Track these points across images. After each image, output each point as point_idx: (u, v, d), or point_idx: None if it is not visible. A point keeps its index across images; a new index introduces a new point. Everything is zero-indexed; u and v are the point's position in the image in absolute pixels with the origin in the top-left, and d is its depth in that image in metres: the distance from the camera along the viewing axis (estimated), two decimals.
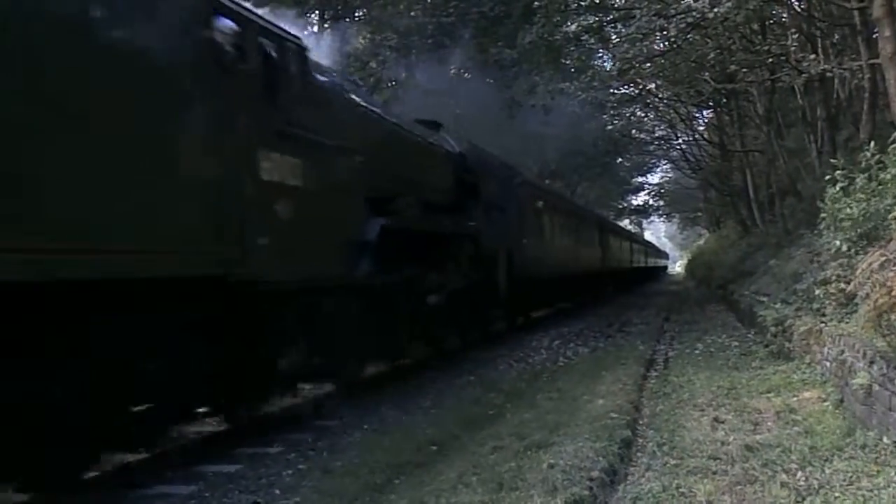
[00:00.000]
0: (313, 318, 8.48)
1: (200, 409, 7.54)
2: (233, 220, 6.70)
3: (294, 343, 8.17)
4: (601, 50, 21.63)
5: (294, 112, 7.84)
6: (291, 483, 6.27)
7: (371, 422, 8.50)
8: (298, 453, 7.18)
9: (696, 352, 13.03)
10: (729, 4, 13.10)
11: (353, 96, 10.17)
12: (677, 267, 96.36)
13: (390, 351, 11.26)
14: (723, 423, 7.62)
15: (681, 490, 5.55)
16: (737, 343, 13.47)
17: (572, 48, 19.90)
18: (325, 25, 22.26)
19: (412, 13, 20.52)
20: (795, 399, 8.33)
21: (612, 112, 26.31)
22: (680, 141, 39.16)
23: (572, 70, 22.30)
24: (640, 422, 8.17)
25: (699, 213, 61.32)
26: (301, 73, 8.21)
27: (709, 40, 17.92)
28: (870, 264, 8.05)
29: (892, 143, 8.88)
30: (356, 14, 23.39)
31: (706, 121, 34.69)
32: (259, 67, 7.35)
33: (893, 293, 6.91)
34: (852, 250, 9.05)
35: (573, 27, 17.22)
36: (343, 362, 9.47)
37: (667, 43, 17.78)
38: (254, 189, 7.06)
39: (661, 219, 76.31)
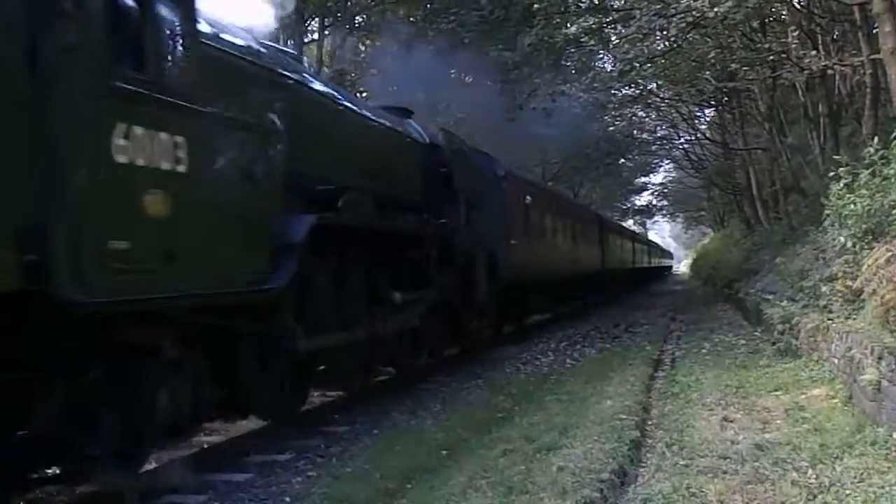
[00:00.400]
0: (213, 345, 6.70)
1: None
2: (60, 216, 4.90)
3: (182, 378, 6.27)
4: (601, 51, 21.66)
5: (172, 76, 5.89)
6: (302, 490, 6.28)
7: (381, 427, 8.50)
8: (308, 460, 7.18)
9: (704, 351, 13.03)
10: (729, 3, 13.10)
11: (275, 64, 7.96)
12: (682, 266, 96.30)
13: (334, 378, 9.53)
14: (732, 422, 7.62)
15: (691, 490, 5.55)
16: (744, 341, 13.48)
17: (572, 50, 19.93)
18: (326, 33, 22.33)
19: (411, 19, 20.58)
20: (804, 397, 8.32)
21: (613, 113, 26.29)
22: (682, 140, 39.16)
23: (573, 72, 22.36)
24: (649, 422, 8.18)
25: (703, 213, 61.32)
26: (185, 27, 6.12)
27: (709, 39, 17.93)
28: (876, 260, 8.06)
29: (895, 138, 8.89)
30: (356, 21, 23.44)
31: (708, 120, 34.71)
32: (105, 13, 5.34)
33: None
34: (858, 246, 9.05)
35: (573, 29, 17.20)
36: (267, 397, 7.68)
37: (667, 43, 17.79)
38: (99, 174, 5.14)
39: (665, 219, 76.41)
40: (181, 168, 5.84)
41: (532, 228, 19.26)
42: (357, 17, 23.42)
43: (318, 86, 9.34)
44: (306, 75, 9.15)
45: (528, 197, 19.04)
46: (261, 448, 7.55)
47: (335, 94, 9.89)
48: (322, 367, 8.98)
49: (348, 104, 10.08)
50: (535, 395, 10.20)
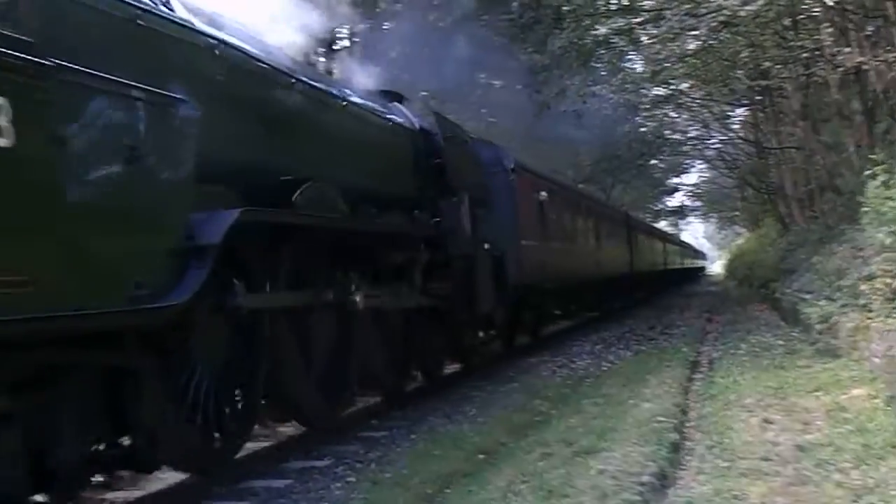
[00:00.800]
0: (89, 384, 5.14)
1: None
2: None
3: (10, 438, 4.46)
4: (632, 52, 21.60)
5: None
6: (341, 496, 6.30)
7: (418, 431, 8.51)
8: (347, 466, 7.20)
9: (741, 352, 12.91)
10: (760, 2, 13.02)
11: (187, 22, 6.28)
12: (716, 267, 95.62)
13: (283, 409, 8.03)
14: (772, 423, 7.54)
15: (733, 493, 5.49)
16: (781, 342, 13.34)
17: (602, 51, 19.89)
18: (356, 39, 22.42)
19: (441, 24, 20.63)
20: (845, 397, 8.23)
21: (644, 114, 26.19)
22: (715, 140, 38.88)
23: (603, 73, 22.32)
24: (688, 424, 8.12)
25: (737, 213, 60.86)
26: None
27: (741, 38, 17.81)
28: None
29: None
30: (384, 28, 23.53)
31: (741, 119, 34.43)
32: None
33: None
34: None
35: (603, 30, 17.18)
36: (182, 444, 6.18)
37: (698, 42, 17.70)
38: None
39: (699, 219, 75.95)
40: (2, 142, 4.21)
41: (548, 228, 17.54)
42: (385, 24, 23.53)
43: (266, 56, 7.64)
44: (245, 43, 7.36)
45: (542, 193, 17.37)
46: (299, 454, 7.58)
47: (290, 67, 8.12)
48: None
49: (307, 80, 8.32)
50: (572, 398, 10.17)
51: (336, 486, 6.63)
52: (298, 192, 7.40)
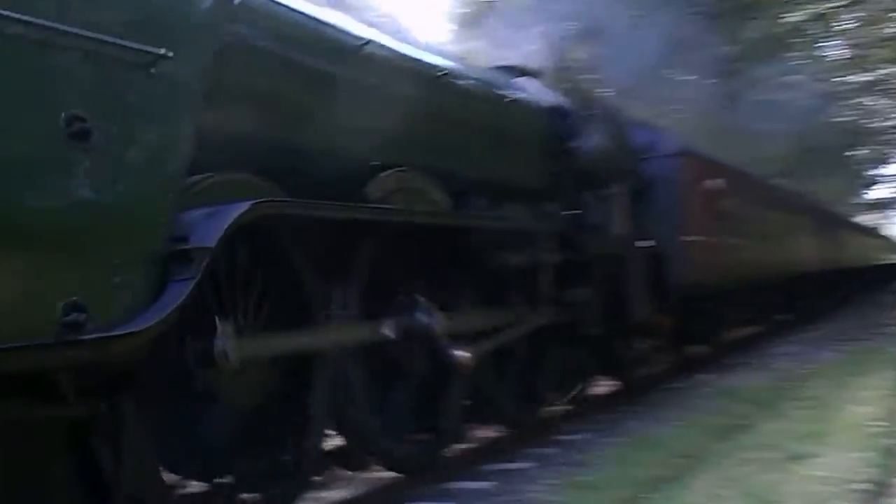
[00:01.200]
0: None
1: None
2: None
3: None
4: (827, 39, 20.79)
5: None
6: (542, 499, 6.35)
7: (615, 434, 8.46)
8: (546, 469, 7.24)
9: None
10: None
11: None
12: None
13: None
14: None
15: None
16: None
17: (796, 39, 19.23)
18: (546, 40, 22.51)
19: (629, 18, 20.47)
20: None
21: (843, 103, 25.05)
22: None
23: (798, 63, 21.52)
24: None
25: None
26: None
27: None
28: None
29: None
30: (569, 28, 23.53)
31: None
32: None
33: None
34: None
35: (797, 17, 16.62)
36: None
37: None
38: None
39: None
40: None
41: (721, 221, 15.13)
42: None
43: (316, 13, 5.77)
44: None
45: (714, 181, 14.92)
46: (500, 457, 7.70)
47: (361, 30, 6.18)
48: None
49: (385, 44, 6.35)
50: (772, 401, 9.86)
51: (534, 488, 6.67)
52: (374, 181, 6.00)
